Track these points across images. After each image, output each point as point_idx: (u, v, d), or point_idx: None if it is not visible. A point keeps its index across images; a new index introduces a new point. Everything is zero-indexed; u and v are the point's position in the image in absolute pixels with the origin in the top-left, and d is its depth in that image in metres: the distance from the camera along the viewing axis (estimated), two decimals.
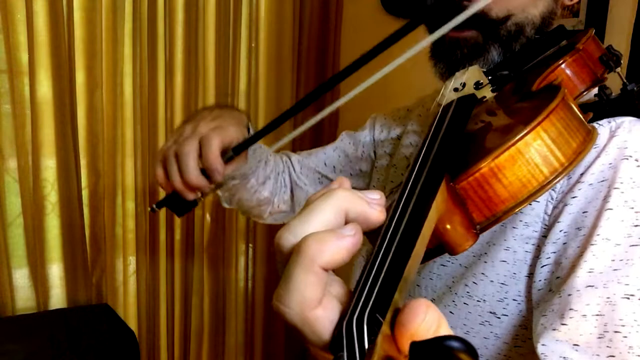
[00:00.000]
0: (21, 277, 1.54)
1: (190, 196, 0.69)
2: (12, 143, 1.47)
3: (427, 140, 0.45)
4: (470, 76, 0.56)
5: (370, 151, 0.87)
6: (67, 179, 1.55)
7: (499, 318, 0.56)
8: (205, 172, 0.67)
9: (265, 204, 0.88)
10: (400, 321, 0.25)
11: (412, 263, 0.30)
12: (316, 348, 0.27)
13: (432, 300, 0.61)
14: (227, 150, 0.67)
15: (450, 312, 0.59)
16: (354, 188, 0.93)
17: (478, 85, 0.54)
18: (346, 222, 0.30)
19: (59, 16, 1.47)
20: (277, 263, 0.30)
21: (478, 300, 0.57)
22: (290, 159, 0.92)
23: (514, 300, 0.55)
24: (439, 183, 0.37)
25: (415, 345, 0.22)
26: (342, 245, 0.27)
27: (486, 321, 0.56)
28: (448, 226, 0.38)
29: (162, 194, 1.76)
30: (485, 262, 0.57)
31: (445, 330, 0.26)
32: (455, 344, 0.22)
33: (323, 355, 0.27)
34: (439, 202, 0.37)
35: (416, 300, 0.25)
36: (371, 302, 0.26)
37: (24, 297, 1.55)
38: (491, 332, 0.56)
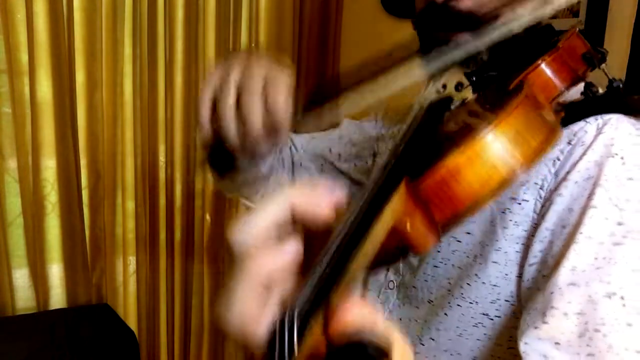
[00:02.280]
0: (21, 277, 1.55)
1: (236, 141, 0.54)
2: (12, 143, 1.48)
3: (396, 143, 0.46)
4: (451, 78, 0.56)
5: (373, 143, 0.86)
6: (67, 179, 1.55)
7: (491, 320, 0.56)
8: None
9: (261, 180, 0.84)
10: (332, 318, 0.26)
11: (357, 265, 0.31)
12: (255, 349, 0.29)
13: (429, 302, 0.61)
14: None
15: (445, 314, 0.59)
16: (354, 178, 0.89)
17: (459, 87, 0.54)
18: (294, 219, 0.32)
19: (59, 16, 1.47)
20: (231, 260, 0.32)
21: (471, 302, 0.57)
22: (291, 139, 0.87)
23: (506, 301, 0.55)
24: (395, 185, 0.38)
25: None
26: (280, 262, 0.29)
27: (479, 323, 0.56)
28: (409, 226, 0.39)
29: (162, 192, 1.77)
30: (480, 263, 0.57)
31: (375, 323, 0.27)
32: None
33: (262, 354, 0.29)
34: (396, 204, 0.38)
35: (348, 300, 0.26)
36: (305, 304, 0.28)
37: (24, 297, 1.55)
38: (484, 334, 0.56)
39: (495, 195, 0.40)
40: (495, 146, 0.40)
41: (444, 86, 0.56)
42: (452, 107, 0.56)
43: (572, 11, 1.32)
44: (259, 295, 0.28)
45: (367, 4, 1.96)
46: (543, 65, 0.54)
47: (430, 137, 0.47)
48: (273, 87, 0.51)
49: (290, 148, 0.87)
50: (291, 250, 0.29)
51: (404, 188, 0.39)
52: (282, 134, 0.53)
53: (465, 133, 0.46)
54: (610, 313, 0.44)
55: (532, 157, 0.41)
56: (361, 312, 0.26)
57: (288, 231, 0.32)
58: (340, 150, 0.86)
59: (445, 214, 0.40)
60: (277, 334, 0.27)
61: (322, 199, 0.32)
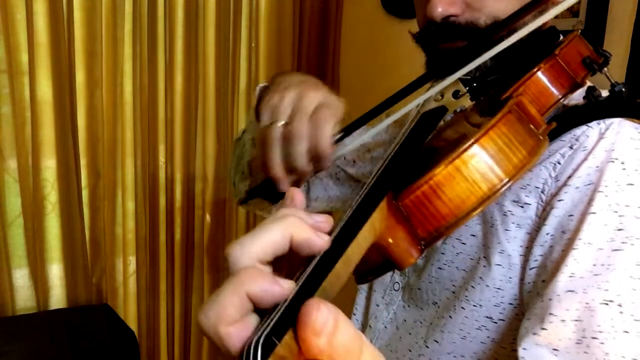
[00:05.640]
0: (21, 277, 1.54)
1: (285, 186, 0.58)
2: (12, 143, 1.48)
3: (385, 157, 0.46)
4: (448, 86, 0.56)
5: (386, 146, 0.86)
6: (67, 179, 1.55)
7: (495, 323, 0.56)
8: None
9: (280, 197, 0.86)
10: (298, 324, 0.27)
11: (328, 285, 0.31)
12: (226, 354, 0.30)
13: (433, 304, 0.61)
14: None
15: (450, 316, 0.59)
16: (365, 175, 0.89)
17: (456, 95, 0.54)
18: (291, 246, 0.33)
19: (59, 16, 1.47)
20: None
21: (474, 305, 0.57)
22: None
23: (510, 304, 0.55)
24: (377, 200, 0.38)
25: None
26: (271, 290, 0.29)
27: (483, 326, 0.56)
28: (391, 241, 0.39)
29: (162, 192, 1.77)
30: (484, 265, 0.56)
31: (345, 323, 0.27)
32: None
33: None
34: (376, 222, 0.38)
35: (307, 302, 0.27)
36: (270, 326, 0.27)
37: (24, 297, 1.55)
38: (488, 336, 0.56)
39: (478, 210, 0.40)
40: (475, 162, 0.40)
41: (442, 95, 0.56)
42: (450, 115, 0.56)
43: (572, 11, 1.32)
44: (241, 302, 0.29)
45: (367, 4, 1.96)
46: (539, 74, 0.53)
47: (420, 148, 0.47)
48: (319, 129, 0.54)
49: None
50: (284, 285, 0.30)
51: (385, 204, 0.39)
52: (324, 163, 0.55)
53: (452, 146, 0.46)
54: (608, 320, 0.44)
55: (514, 173, 0.41)
56: (324, 309, 0.26)
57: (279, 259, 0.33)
58: (354, 156, 0.87)
59: (428, 229, 0.40)
60: (245, 352, 0.27)
61: (321, 231, 0.33)
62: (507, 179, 0.40)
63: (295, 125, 0.54)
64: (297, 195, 0.37)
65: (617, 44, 1.24)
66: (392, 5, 1.87)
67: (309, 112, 0.54)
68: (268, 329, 0.27)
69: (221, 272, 1.91)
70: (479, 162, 0.40)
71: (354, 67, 2.03)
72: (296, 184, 0.59)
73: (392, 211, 0.40)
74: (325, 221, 0.35)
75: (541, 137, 0.44)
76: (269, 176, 0.58)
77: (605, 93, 0.55)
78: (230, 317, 0.29)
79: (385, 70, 1.85)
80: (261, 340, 0.26)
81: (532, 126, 0.45)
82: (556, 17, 0.60)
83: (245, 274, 0.30)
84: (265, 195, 0.66)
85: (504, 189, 0.40)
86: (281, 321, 0.28)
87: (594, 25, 1.28)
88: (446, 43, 0.59)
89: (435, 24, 0.59)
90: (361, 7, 1.99)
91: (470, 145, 0.40)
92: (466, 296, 0.57)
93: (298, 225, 0.33)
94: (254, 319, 0.30)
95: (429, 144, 0.50)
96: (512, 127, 0.42)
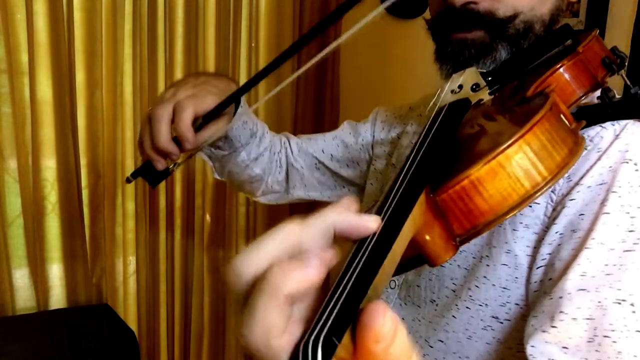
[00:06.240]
0: (21, 277, 1.54)
1: (160, 165, 0.70)
2: (12, 143, 1.47)
3: (414, 149, 0.45)
4: (467, 78, 0.56)
5: (368, 147, 0.87)
6: (67, 179, 1.55)
7: (501, 323, 0.55)
8: (177, 140, 0.67)
9: (257, 181, 0.87)
10: (361, 326, 0.26)
11: (378, 281, 0.30)
12: None
13: (432, 302, 0.61)
14: (199, 118, 0.67)
15: (453, 316, 0.58)
16: (347, 179, 0.94)
17: (475, 88, 0.54)
18: (339, 232, 0.31)
19: (59, 16, 1.47)
20: (233, 295, 0.30)
21: (480, 305, 0.56)
22: (288, 140, 0.92)
23: (516, 304, 0.54)
24: (415, 199, 0.37)
25: None
26: (306, 276, 0.28)
27: (488, 326, 0.56)
28: (427, 237, 0.38)
29: (162, 192, 1.77)
30: (488, 265, 0.56)
31: (402, 332, 0.27)
32: None
33: None
34: (416, 216, 0.37)
35: (373, 306, 0.26)
36: (328, 325, 0.26)
37: (24, 297, 1.55)
38: (493, 337, 0.56)
39: (517, 210, 0.39)
40: (519, 158, 0.39)
41: (460, 87, 0.56)
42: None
43: (572, 11, 1.32)
44: (282, 306, 0.27)
45: (367, 4, 1.95)
46: (562, 70, 0.53)
47: (449, 141, 0.46)
48: (177, 114, 0.66)
49: (287, 149, 0.89)
50: (315, 264, 0.28)
51: (423, 199, 0.38)
52: (186, 144, 0.67)
53: (487, 140, 0.44)
54: (620, 319, 0.44)
55: (557, 171, 0.40)
56: (391, 315, 0.26)
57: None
58: (332, 151, 0.89)
59: (465, 226, 0.39)
60: (302, 354, 0.25)
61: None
62: (550, 177, 0.39)
63: (155, 109, 0.66)
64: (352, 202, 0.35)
65: (617, 44, 1.24)
66: (392, 6, 1.87)
67: (174, 101, 0.66)
68: (325, 328, 0.26)
69: (221, 272, 1.90)
70: (523, 159, 0.39)
71: (354, 67, 2.03)
72: (175, 165, 0.72)
73: (430, 206, 0.39)
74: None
75: (578, 137, 0.44)
76: (142, 155, 0.70)
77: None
78: (280, 328, 0.27)
79: (385, 71, 1.85)
80: (320, 340, 0.25)
81: (567, 124, 0.44)
82: (558, 15, 0.59)
83: (273, 276, 0.27)
84: (145, 175, 0.75)
85: (546, 187, 0.39)
86: (339, 321, 0.26)
87: (594, 25, 1.28)
88: (462, 31, 0.59)
89: (454, 10, 0.59)
90: (361, 7, 1.99)
91: (515, 141, 0.39)
92: (470, 295, 0.57)
93: (344, 213, 0.32)
94: (297, 320, 0.29)
95: (452, 138, 0.49)
96: (555, 124, 0.42)
